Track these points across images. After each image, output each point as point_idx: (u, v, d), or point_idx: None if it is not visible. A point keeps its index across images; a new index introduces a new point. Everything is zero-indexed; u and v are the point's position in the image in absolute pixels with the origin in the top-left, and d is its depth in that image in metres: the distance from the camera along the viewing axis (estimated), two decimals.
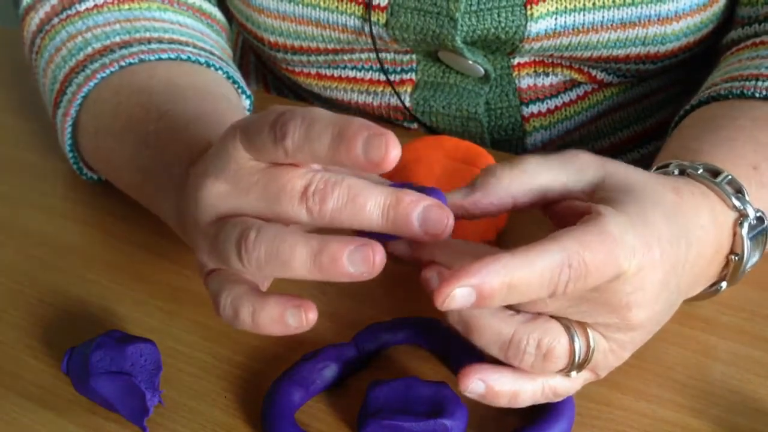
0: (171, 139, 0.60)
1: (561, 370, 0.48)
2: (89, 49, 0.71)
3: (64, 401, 0.56)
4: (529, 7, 0.71)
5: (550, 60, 0.77)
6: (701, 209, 0.53)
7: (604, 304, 0.47)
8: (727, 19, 0.77)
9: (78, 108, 0.69)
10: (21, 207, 0.73)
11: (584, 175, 0.50)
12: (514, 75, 0.78)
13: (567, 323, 0.48)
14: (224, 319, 0.48)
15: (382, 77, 0.80)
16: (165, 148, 0.60)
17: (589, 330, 0.48)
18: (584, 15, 0.72)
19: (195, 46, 0.72)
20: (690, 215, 0.51)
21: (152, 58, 0.69)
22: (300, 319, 0.46)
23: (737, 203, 0.54)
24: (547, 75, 0.78)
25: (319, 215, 0.46)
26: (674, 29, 0.74)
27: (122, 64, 0.68)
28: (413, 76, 0.79)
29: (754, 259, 0.55)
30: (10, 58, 0.94)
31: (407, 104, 0.79)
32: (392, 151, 0.44)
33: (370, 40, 0.75)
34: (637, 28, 0.73)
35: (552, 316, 0.48)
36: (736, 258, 0.54)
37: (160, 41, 0.71)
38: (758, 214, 0.54)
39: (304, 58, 0.80)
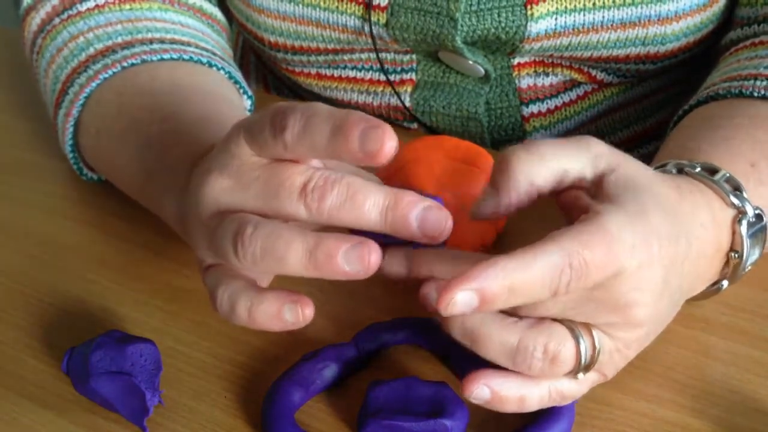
0: (174, 141, 0.60)
1: (568, 373, 0.48)
2: (91, 50, 0.71)
3: (64, 401, 0.56)
4: (529, 7, 0.71)
5: (550, 60, 0.77)
6: (700, 207, 0.53)
7: (607, 303, 0.47)
8: (727, 20, 0.77)
9: (80, 108, 0.69)
10: (21, 207, 0.73)
11: (597, 164, 0.49)
12: (514, 75, 0.78)
13: (571, 325, 0.47)
14: (221, 314, 0.48)
15: (382, 77, 0.80)
16: (168, 150, 0.60)
17: (593, 331, 0.48)
18: (584, 15, 0.72)
19: (197, 47, 0.72)
20: (689, 213, 0.51)
21: (154, 58, 0.69)
22: (297, 314, 0.46)
23: (735, 201, 0.54)
24: (547, 75, 0.78)
25: (317, 212, 0.46)
26: (674, 29, 0.74)
27: (124, 64, 0.68)
28: (413, 76, 0.79)
29: (754, 256, 0.55)
30: (10, 58, 0.94)
31: (407, 104, 0.79)
32: (388, 142, 0.44)
33: (370, 40, 0.75)
34: (637, 28, 0.73)
35: (555, 320, 0.48)
36: (736, 255, 0.54)
37: (162, 41, 0.71)
38: (757, 212, 0.54)
39: (304, 58, 0.80)
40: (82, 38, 0.72)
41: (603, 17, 0.72)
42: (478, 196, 0.51)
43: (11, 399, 0.56)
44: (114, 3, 0.74)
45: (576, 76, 0.78)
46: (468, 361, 0.49)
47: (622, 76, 0.79)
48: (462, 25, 0.72)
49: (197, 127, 0.61)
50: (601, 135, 0.83)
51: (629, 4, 0.71)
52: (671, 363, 0.56)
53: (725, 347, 0.57)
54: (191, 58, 0.70)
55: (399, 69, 0.79)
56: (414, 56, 0.78)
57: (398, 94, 0.79)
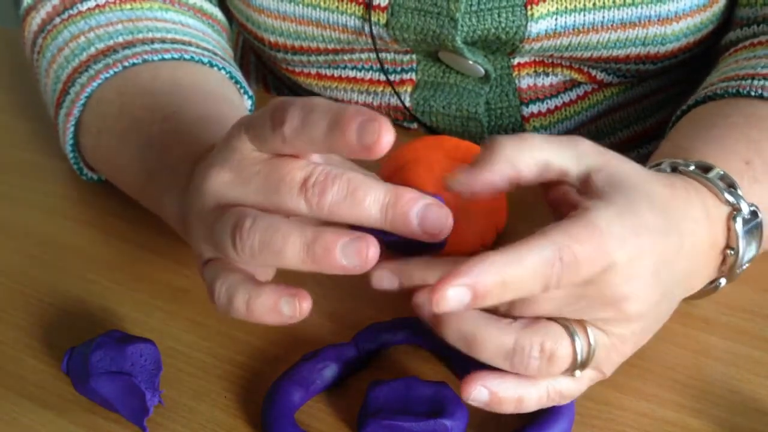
0: (175, 140, 0.60)
1: (566, 371, 0.48)
2: (92, 50, 0.71)
3: (64, 401, 0.56)
4: (529, 7, 0.71)
5: (550, 60, 0.77)
6: (693, 203, 0.53)
7: (599, 298, 0.47)
8: (727, 20, 0.77)
9: (81, 108, 0.69)
10: (21, 207, 0.73)
11: (583, 161, 0.49)
12: (514, 75, 0.78)
13: (566, 323, 0.48)
14: (218, 307, 0.48)
15: (382, 77, 0.80)
16: (170, 150, 0.60)
17: (588, 327, 0.48)
18: (584, 15, 0.72)
19: (198, 46, 0.72)
20: (681, 208, 0.52)
21: (155, 58, 0.69)
22: (294, 308, 0.46)
23: (730, 198, 0.54)
24: (547, 75, 0.78)
25: (317, 207, 0.46)
26: (674, 30, 0.74)
27: (126, 64, 0.69)
28: (413, 76, 0.79)
29: (751, 253, 0.55)
30: (10, 58, 0.94)
31: (407, 104, 0.79)
32: (385, 135, 0.44)
33: (370, 40, 0.75)
34: (637, 28, 0.73)
35: (550, 319, 0.48)
36: (732, 253, 0.54)
37: (163, 41, 0.71)
38: (752, 208, 0.54)
39: (304, 58, 0.80)
40: (83, 38, 0.72)
41: (603, 17, 0.72)
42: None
43: (11, 399, 0.56)
44: (114, 2, 0.74)
45: (576, 76, 0.78)
46: (468, 361, 0.49)
47: (622, 77, 0.79)
48: (462, 26, 0.72)
49: (198, 126, 0.61)
50: (601, 135, 0.83)
51: (629, 5, 0.71)
52: (671, 363, 0.56)
53: (725, 347, 0.57)
54: (192, 57, 0.70)
55: (399, 69, 0.79)
56: (414, 56, 0.78)
57: (398, 94, 0.79)
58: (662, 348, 0.57)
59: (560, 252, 0.44)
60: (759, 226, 0.55)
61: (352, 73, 0.81)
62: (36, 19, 0.76)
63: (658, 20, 0.72)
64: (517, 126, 0.80)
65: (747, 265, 0.55)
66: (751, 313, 0.59)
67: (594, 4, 0.71)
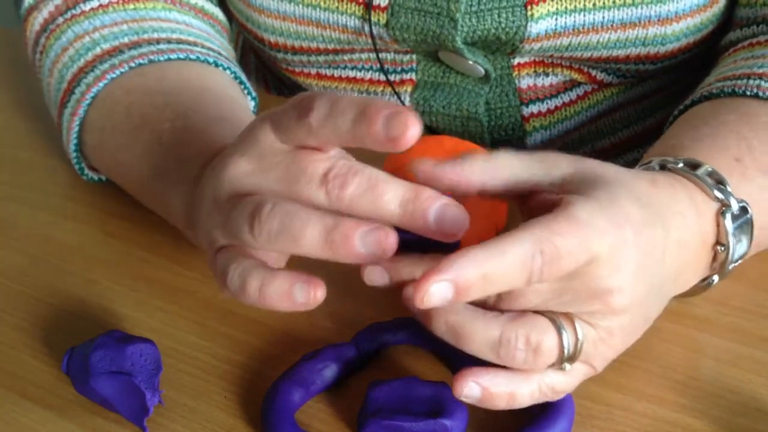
0: (189, 138, 0.60)
1: (554, 365, 0.48)
2: (98, 50, 0.71)
3: (64, 401, 0.56)
4: (529, 7, 0.71)
5: (550, 60, 0.77)
6: (679, 198, 0.53)
7: (584, 291, 0.47)
8: (727, 20, 0.77)
9: (86, 108, 0.69)
10: (21, 207, 0.73)
11: (554, 170, 0.49)
12: (514, 75, 0.78)
13: (552, 316, 0.48)
14: (230, 292, 0.48)
15: (382, 77, 0.80)
16: (183, 147, 0.60)
17: (575, 321, 0.48)
18: (584, 15, 0.72)
19: (203, 46, 0.73)
20: (666, 202, 0.52)
21: (161, 58, 0.69)
22: (308, 294, 0.46)
23: (719, 194, 0.54)
24: (547, 75, 0.78)
25: (337, 199, 0.46)
26: (674, 30, 0.74)
27: (132, 65, 0.69)
28: (413, 76, 0.79)
29: (741, 250, 0.55)
30: (10, 58, 0.94)
31: (407, 104, 0.79)
32: (412, 128, 0.44)
33: (370, 41, 0.75)
34: (637, 28, 0.73)
35: (537, 312, 0.48)
36: (722, 249, 0.54)
37: (168, 41, 0.71)
38: (741, 205, 0.54)
39: (304, 59, 0.80)
40: (87, 38, 0.72)
41: (603, 18, 0.72)
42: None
43: (12, 399, 0.56)
44: (118, 3, 0.74)
45: (576, 76, 0.78)
46: (468, 361, 0.49)
47: (622, 77, 0.79)
48: (462, 26, 0.72)
49: (214, 126, 0.61)
50: (601, 135, 0.83)
51: (629, 5, 0.71)
52: (671, 363, 0.56)
53: (726, 347, 0.57)
54: (198, 58, 0.70)
55: (399, 69, 0.79)
56: (414, 56, 0.78)
57: (398, 94, 0.79)
58: (662, 348, 0.57)
59: (541, 245, 0.44)
60: (749, 222, 0.55)
61: (352, 73, 0.81)
62: (38, 19, 0.76)
63: (658, 20, 0.73)
64: (517, 126, 0.80)
65: (739, 261, 0.55)
66: (752, 313, 0.59)
67: (594, 5, 0.71)
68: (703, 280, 0.56)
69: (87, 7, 0.74)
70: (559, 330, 0.47)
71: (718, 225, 0.54)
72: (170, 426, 0.54)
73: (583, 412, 0.53)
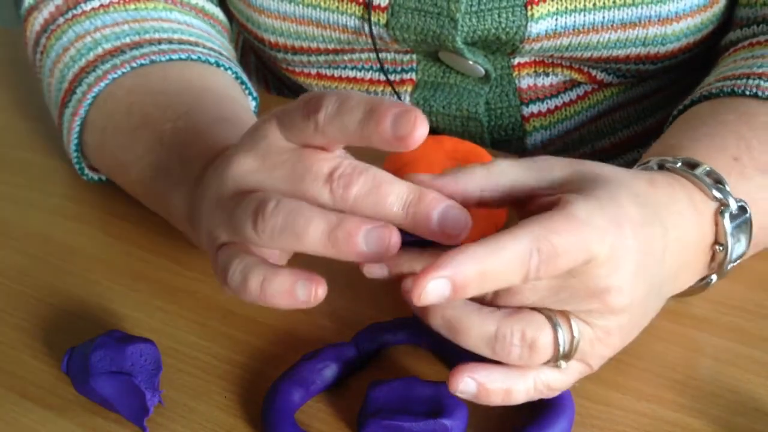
0: (192, 139, 0.61)
1: (548, 362, 0.48)
2: (99, 50, 0.71)
3: (64, 401, 0.56)
4: (529, 7, 0.71)
5: (550, 60, 0.77)
6: (677, 197, 0.53)
7: (582, 290, 0.47)
8: (728, 21, 0.77)
9: (87, 108, 0.69)
10: (21, 207, 0.73)
11: (551, 174, 0.50)
12: (514, 75, 0.78)
13: (549, 314, 0.48)
14: (231, 289, 0.48)
15: (382, 77, 0.80)
16: (184, 147, 0.60)
17: (572, 318, 0.48)
18: (584, 15, 0.72)
19: (204, 47, 0.73)
20: (665, 202, 0.52)
21: (163, 59, 0.69)
22: (309, 292, 0.46)
23: (717, 194, 0.54)
24: (547, 75, 0.78)
25: (341, 199, 0.46)
26: (674, 30, 0.74)
27: (133, 65, 0.69)
28: (413, 76, 0.79)
29: (740, 250, 0.55)
30: (10, 58, 0.94)
31: (407, 104, 0.79)
32: (420, 127, 0.44)
33: (370, 41, 0.75)
34: (637, 28, 0.73)
35: (534, 308, 0.48)
36: (721, 249, 0.54)
37: (170, 42, 0.71)
38: (740, 204, 0.54)
39: (304, 59, 0.80)
40: (89, 38, 0.72)
41: (603, 18, 0.72)
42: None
43: (12, 399, 0.56)
44: (119, 3, 0.74)
45: (576, 76, 0.78)
46: (468, 360, 0.49)
47: (622, 77, 0.79)
48: (462, 26, 0.72)
49: (215, 127, 0.61)
50: (601, 135, 0.83)
51: (629, 5, 0.71)
52: (671, 363, 0.56)
53: (726, 347, 0.57)
54: (199, 58, 0.70)
55: (399, 69, 0.79)
56: (414, 56, 0.78)
57: (398, 94, 0.79)
58: (661, 348, 0.57)
59: (538, 243, 0.44)
60: (747, 222, 0.55)
61: (352, 73, 0.81)
62: (38, 19, 0.76)
63: (659, 20, 0.73)
64: (517, 126, 0.80)
65: (737, 261, 0.55)
66: (751, 312, 0.59)
67: (594, 5, 0.71)
68: (702, 279, 0.56)
69: (88, 7, 0.74)
70: (555, 327, 0.47)
71: (716, 224, 0.54)
72: (170, 426, 0.54)
73: (583, 412, 0.53)
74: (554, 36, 0.72)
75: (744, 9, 0.74)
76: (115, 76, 0.69)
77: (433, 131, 0.81)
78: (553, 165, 0.50)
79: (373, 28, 0.74)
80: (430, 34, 0.73)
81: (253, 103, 0.74)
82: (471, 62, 0.75)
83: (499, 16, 0.72)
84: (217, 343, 0.59)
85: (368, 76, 0.81)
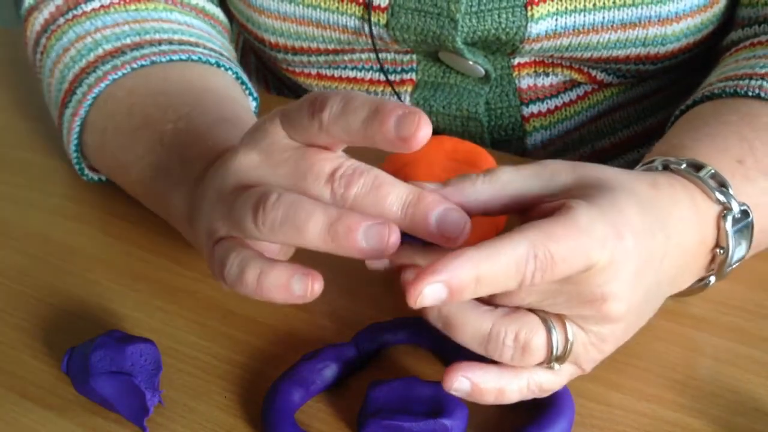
0: (192, 140, 0.61)
1: (541, 363, 0.48)
2: (100, 50, 0.71)
3: (64, 401, 0.56)
4: (529, 8, 0.71)
5: (550, 60, 0.77)
6: (681, 202, 0.53)
7: (579, 296, 0.47)
8: (728, 21, 0.77)
9: (88, 108, 0.69)
10: (21, 207, 0.73)
11: (556, 180, 0.49)
12: (514, 75, 0.78)
13: (545, 316, 0.48)
14: (228, 282, 0.48)
15: (383, 77, 0.80)
16: (185, 148, 0.60)
17: (567, 323, 0.48)
18: (584, 16, 0.72)
19: (204, 47, 0.73)
20: (668, 208, 0.52)
21: (163, 59, 0.69)
22: (306, 286, 0.46)
23: (720, 197, 0.54)
24: (547, 75, 0.78)
25: (342, 198, 0.47)
26: (674, 30, 0.74)
27: (134, 66, 0.69)
28: (413, 76, 0.79)
29: (740, 253, 0.55)
30: (10, 58, 0.94)
31: (407, 104, 0.79)
32: (423, 128, 0.44)
33: (370, 41, 0.75)
34: (637, 29, 0.73)
35: (530, 310, 0.48)
36: (722, 252, 0.54)
37: (170, 42, 0.71)
38: (742, 208, 0.54)
39: (304, 59, 0.80)
40: (89, 38, 0.72)
41: (603, 18, 0.72)
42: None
43: (12, 399, 0.56)
44: (119, 3, 0.74)
45: (576, 76, 0.78)
46: (465, 360, 0.49)
47: (622, 77, 0.79)
48: (462, 26, 0.72)
49: (216, 128, 0.61)
50: (601, 135, 0.83)
51: (629, 5, 0.71)
52: (671, 363, 0.56)
53: (725, 347, 0.57)
54: (200, 58, 0.71)
55: (399, 69, 0.79)
56: (414, 56, 0.78)
57: (398, 94, 0.79)
58: (661, 348, 0.57)
59: (535, 249, 0.44)
60: (749, 226, 0.55)
61: (352, 74, 0.81)
62: (39, 19, 0.76)
63: (659, 21, 0.72)
64: (517, 126, 0.80)
65: (737, 264, 0.55)
66: (750, 312, 0.59)
67: (594, 5, 0.71)
68: (700, 280, 0.56)
69: (88, 7, 0.74)
70: (549, 330, 0.47)
71: (718, 228, 0.54)
72: (170, 426, 0.54)
73: (583, 412, 0.53)
74: (554, 36, 0.72)
75: (745, 9, 0.74)
76: (116, 76, 0.69)
77: (433, 131, 0.80)
78: (559, 171, 0.50)
79: (373, 28, 0.74)
80: (430, 34, 0.73)
81: (254, 104, 0.74)
82: (471, 62, 0.75)
83: (499, 17, 0.72)
84: (217, 343, 0.59)
85: (368, 76, 0.81)
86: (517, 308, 0.48)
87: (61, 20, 0.74)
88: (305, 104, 0.47)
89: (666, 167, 0.55)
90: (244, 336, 0.59)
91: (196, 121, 0.62)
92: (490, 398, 0.49)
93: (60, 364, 0.56)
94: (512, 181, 0.49)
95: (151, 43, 0.71)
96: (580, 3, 0.71)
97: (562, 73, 0.78)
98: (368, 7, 0.73)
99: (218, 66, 0.71)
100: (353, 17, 0.74)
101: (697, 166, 0.55)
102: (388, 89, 0.80)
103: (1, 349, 0.60)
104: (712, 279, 0.56)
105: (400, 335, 0.57)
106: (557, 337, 0.48)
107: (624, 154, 0.85)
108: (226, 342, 0.59)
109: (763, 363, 0.56)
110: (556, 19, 0.72)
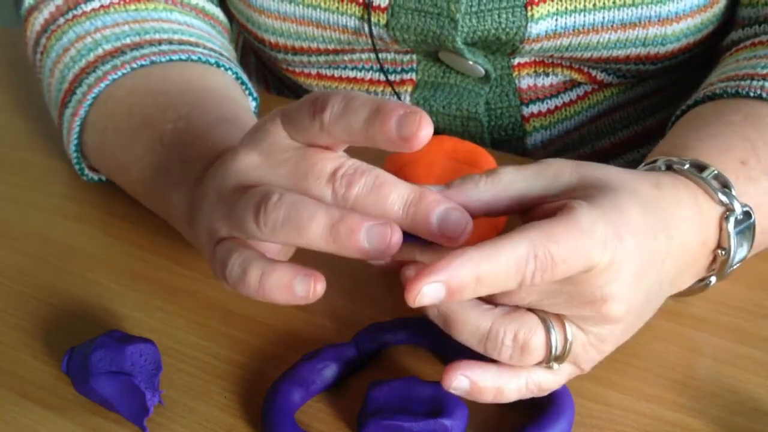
0: (192, 140, 0.61)
1: (540, 363, 0.48)
2: (100, 50, 0.71)
3: (64, 401, 0.56)
4: (529, 8, 0.71)
5: (550, 60, 0.77)
6: (683, 202, 0.53)
7: (579, 297, 0.47)
8: (728, 20, 0.77)
9: (88, 108, 0.69)
10: (21, 207, 0.73)
11: (559, 180, 0.49)
12: (514, 75, 0.78)
13: (544, 316, 0.48)
14: (229, 283, 0.48)
15: (382, 77, 0.80)
16: (184, 148, 0.60)
17: (566, 323, 0.48)
18: (584, 16, 0.72)
19: (204, 47, 0.73)
20: (671, 208, 0.51)
21: (163, 59, 0.69)
22: (308, 287, 0.46)
23: (723, 198, 0.54)
24: (547, 75, 0.78)
25: (343, 198, 0.47)
26: (674, 30, 0.74)
27: (134, 66, 0.69)
28: (413, 76, 0.79)
29: (742, 254, 0.55)
30: (10, 58, 0.94)
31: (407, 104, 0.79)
32: (424, 128, 0.44)
33: (370, 41, 0.75)
34: (637, 29, 0.73)
35: (530, 309, 0.48)
36: (723, 253, 0.54)
37: (170, 42, 0.71)
38: (745, 209, 0.54)
39: (304, 59, 0.80)
40: (89, 38, 0.72)
41: (603, 18, 0.72)
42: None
43: (12, 399, 0.56)
44: (119, 3, 0.74)
45: (576, 76, 0.78)
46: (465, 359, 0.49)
47: (622, 77, 0.79)
48: (462, 26, 0.72)
49: (216, 128, 0.61)
50: (601, 135, 0.83)
51: (629, 5, 0.71)
52: (671, 363, 0.56)
53: (725, 347, 0.57)
54: (200, 58, 0.71)
55: (399, 69, 0.79)
56: (414, 56, 0.78)
57: (398, 94, 0.79)
58: (661, 348, 0.57)
59: (535, 249, 0.44)
60: (751, 227, 0.55)
61: (352, 74, 0.81)
62: (39, 19, 0.76)
63: (659, 21, 0.73)
64: (517, 126, 0.80)
65: (738, 264, 0.55)
66: (750, 312, 0.59)
67: (594, 5, 0.71)
68: (701, 280, 0.56)
69: (88, 7, 0.74)
70: (548, 330, 0.48)
71: (720, 229, 0.54)
72: (170, 426, 0.54)
73: (583, 412, 0.53)
74: (554, 36, 0.72)
75: (746, 9, 0.74)
76: (116, 76, 0.69)
77: (434, 131, 0.80)
78: (561, 171, 0.50)
79: (373, 28, 0.74)
80: (430, 34, 0.73)
81: (254, 104, 0.74)
82: (471, 62, 0.75)
83: (499, 17, 0.72)
84: (217, 343, 0.59)
85: (368, 76, 0.81)
86: (516, 307, 0.48)
87: (61, 20, 0.74)
88: (306, 104, 0.47)
89: (669, 167, 0.55)
90: (244, 336, 0.59)
91: (195, 121, 0.62)
92: (488, 397, 0.49)
93: (60, 364, 0.56)
94: (514, 181, 0.49)
95: (151, 43, 0.71)
96: (580, 3, 0.71)
97: (562, 73, 0.78)
98: (368, 7, 0.73)
99: (218, 66, 0.71)
100: (353, 17, 0.74)
101: (701, 167, 0.55)
102: (388, 89, 0.80)
103: (1, 349, 0.60)
104: (713, 279, 0.56)
105: (400, 335, 0.57)
106: (556, 337, 0.48)
107: (624, 154, 0.85)
108: (226, 342, 0.59)
109: (762, 363, 0.56)
110: (556, 19, 0.72)
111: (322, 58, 0.80)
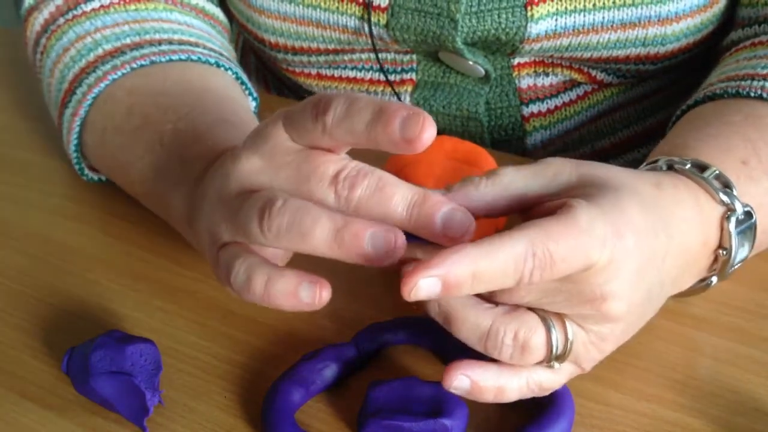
0: (192, 140, 0.61)
1: (540, 362, 0.48)
2: (100, 50, 0.71)
3: (64, 401, 0.56)
4: (529, 8, 0.71)
5: (550, 60, 0.77)
6: (684, 202, 0.53)
7: (579, 295, 0.47)
8: (728, 20, 0.77)
9: (87, 108, 0.69)
10: (21, 207, 0.73)
11: (559, 179, 0.49)
12: (514, 75, 0.78)
13: (544, 315, 0.48)
14: (234, 288, 0.48)
15: (382, 77, 0.80)
16: (184, 148, 0.60)
17: (567, 322, 0.48)
18: (584, 16, 0.72)
19: (204, 47, 0.73)
20: (671, 208, 0.51)
21: (163, 59, 0.69)
22: (314, 294, 0.46)
23: (725, 198, 0.54)
24: (547, 75, 0.78)
25: (346, 201, 0.46)
26: (674, 30, 0.74)
27: (134, 66, 0.69)
28: (413, 76, 0.79)
29: (743, 254, 0.55)
30: (10, 58, 0.94)
31: (408, 104, 0.79)
32: (428, 129, 0.44)
33: (370, 41, 0.75)
34: (637, 29, 0.73)
35: (531, 309, 0.48)
36: (725, 253, 0.54)
37: (170, 42, 0.71)
38: (746, 209, 0.54)
39: (304, 59, 0.80)
40: (89, 38, 0.72)
41: (603, 18, 0.72)
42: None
43: (12, 399, 0.56)
44: (119, 3, 0.74)
45: (576, 76, 0.78)
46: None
47: (622, 77, 0.79)
48: (462, 26, 0.72)
49: (216, 128, 0.61)
50: (601, 135, 0.83)
51: (629, 5, 0.71)
52: (671, 363, 0.56)
53: (726, 347, 0.57)
54: (199, 58, 0.71)
55: (399, 69, 0.79)
56: (414, 56, 0.78)
57: (398, 95, 0.79)
58: (661, 348, 0.57)
59: (534, 247, 0.44)
60: (752, 227, 0.55)
61: (352, 74, 0.81)
62: (39, 20, 0.76)
63: (658, 21, 0.73)
64: (517, 126, 0.80)
65: (739, 264, 0.55)
66: (751, 312, 0.59)
67: (594, 5, 0.71)
68: (702, 280, 0.56)
69: (88, 7, 0.74)
70: (548, 329, 0.47)
71: (722, 229, 0.54)
72: (170, 426, 0.54)
73: (583, 412, 0.53)
74: (554, 36, 0.72)
75: (746, 9, 0.74)
76: (116, 76, 0.69)
77: None
78: (562, 170, 0.50)
79: (373, 28, 0.74)
80: (430, 34, 0.73)
81: (254, 104, 0.74)
82: (471, 62, 0.75)
83: (499, 17, 0.72)
84: (217, 343, 0.59)
85: (368, 76, 0.81)
86: (516, 307, 0.48)
87: (61, 20, 0.74)
88: (308, 107, 0.47)
89: (670, 167, 0.55)
90: (244, 336, 0.59)
91: (195, 121, 0.62)
92: (489, 396, 0.49)
93: (60, 364, 0.56)
94: (514, 181, 0.49)
95: (151, 43, 0.71)
96: (580, 3, 0.71)
97: (562, 73, 0.78)
98: (368, 7, 0.73)
99: (218, 66, 0.71)
100: (353, 17, 0.74)
101: (702, 167, 0.55)
102: (388, 89, 0.80)
103: (1, 349, 0.60)
104: (714, 279, 0.56)
105: (400, 335, 0.57)
106: (557, 336, 0.48)
107: (624, 154, 0.85)
108: (226, 342, 0.59)
109: (763, 363, 0.56)
110: (556, 20, 0.72)
111: (322, 58, 0.80)
